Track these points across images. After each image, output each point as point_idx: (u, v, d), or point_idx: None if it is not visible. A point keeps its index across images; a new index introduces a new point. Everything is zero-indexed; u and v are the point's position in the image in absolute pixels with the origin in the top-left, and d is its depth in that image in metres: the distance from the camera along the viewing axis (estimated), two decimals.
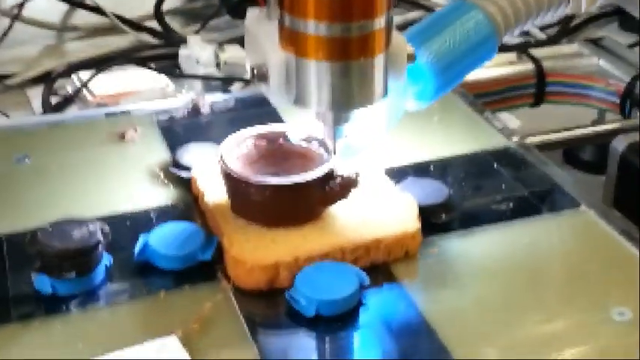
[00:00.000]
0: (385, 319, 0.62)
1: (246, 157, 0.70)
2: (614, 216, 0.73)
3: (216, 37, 1.16)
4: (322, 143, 0.70)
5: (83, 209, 0.69)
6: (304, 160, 0.70)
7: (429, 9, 1.25)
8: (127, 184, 0.76)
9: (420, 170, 0.78)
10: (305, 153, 0.71)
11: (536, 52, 1.14)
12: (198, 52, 1.07)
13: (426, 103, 0.71)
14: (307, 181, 0.66)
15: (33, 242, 0.63)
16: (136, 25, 1.18)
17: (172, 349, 0.58)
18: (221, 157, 0.68)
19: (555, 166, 0.80)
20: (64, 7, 1.20)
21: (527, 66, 1.12)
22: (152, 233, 0.66)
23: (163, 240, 0.66)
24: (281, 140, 0.72)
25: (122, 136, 0.83)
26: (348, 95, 0.64)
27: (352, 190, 0.68)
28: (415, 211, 0.69)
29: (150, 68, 1.06)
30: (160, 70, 1.04)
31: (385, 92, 0.65)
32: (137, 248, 0.65)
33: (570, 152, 1.10)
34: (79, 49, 1.17)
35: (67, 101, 1.00)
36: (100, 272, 0.64)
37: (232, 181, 0.67)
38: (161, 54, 1.13)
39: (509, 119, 1.03)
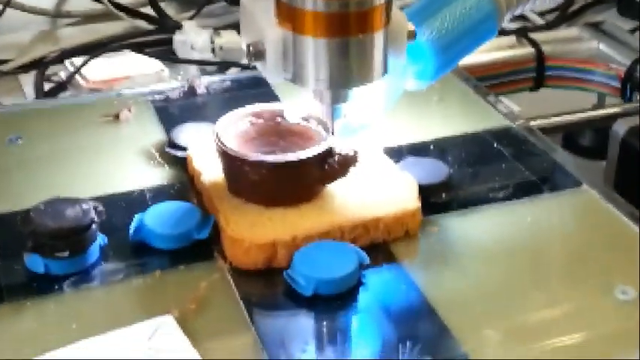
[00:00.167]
0: (385, 298, 0.61)
1: (242, 136, 0.69)
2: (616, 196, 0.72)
3: (212, 23, 1.15)
4: (321, 121, 0.68)
5: (77, 190, 0.68)
6: (302, 139, 0.69)
7: None
8: (122, 164, 0.75)
9: (421, 150, 0.77)
10: (303, 131, 0.70)
11: (536, 36, 1.13)
12: (193, 37, 1.06)
13: (426, 82, 0.70)
14: (305, 159, 0.65)
15: (26, 221, 0.62)
16: (130, 11, 1.16)
17: (168, 329, 0.57)
18: (217, 135, 0.67)
19: (557, 146, 0.79)
20: None
21: (527, 50, 1.11)
22: (147, 212, 0.65)
23: (159, 219, 0.65)
24: (278, 118, 0.71)
25: (116, 117, 0.82)
26: (346, 73, 0.62)
27: (351, 167, 0.67)
28: (415, 190, 0.68)
29: (144, 54, 1.04)
30: (155, 56, 1.03)
31: (385, 71, 0.64)
32: (132, 228, 0.64)
33: (569, 138, 1.09)
34: (72, 35, 1.15)
35: (60, 87, 0.99)
36: (94, 252, 0.63)
37: (228, 160, 0.66)
38: (156, 40, 1.12)
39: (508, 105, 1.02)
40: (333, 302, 0.60)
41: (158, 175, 0.74)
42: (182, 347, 0.55)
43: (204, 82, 0.88)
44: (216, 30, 1.08)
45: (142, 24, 1.15)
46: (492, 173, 0.74)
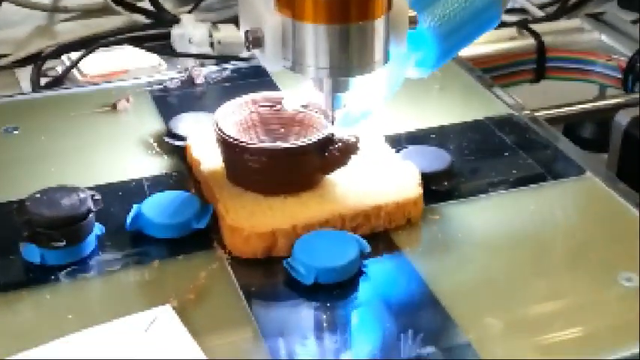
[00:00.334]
0: (386, 287, 0.61)
1: (242, 124, 0.69)
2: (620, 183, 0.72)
3: (210, 17, 1.14)
4: (322, 109, 0.68)
5: (74, 180, 0.67)
6: (304, 127, 0.68)
7: None
8: (120, 154, 0.75)
9: (422, 138, 0.77)
10: (304, 119, 0.69)
11: (537, 27, 1.13)
12: (191, 31, 1.05)
13: (427, 71, 0.69)
14: (306, 146, 0.64)
15: (21, 211, 0.61)
16: (128, 5, 1.16)
17: (167, 319, 0.56)
18: (216, 123, 0.66)
19: (559, 134, 0.78)
20: None
21: (528, 41, 1.10)
22: (145, 202, 0.65)
23: (157, 208, 0.64)
24: (279, 106, 0.70)
25: (114, 107, 0.81)
26: (347, 61, 0.61)
27: (352, 155, 0.66)
28: (417, 178, 0.67)
29: (142, 48, 1.04)
30: (152, 50, 1.02)
31: (386, 59, 0.63)
32: (130, 217, 0.64)
33: (570, 130, 1.09)
34: (70, 29, 1.15)
35: (57, 82, 0.98)
36: (90, 242, 0.62)
37: (228, 148, 0.65)
38: (153, 34, 1.11)
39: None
40: (333, 291, 0.59)
41: (156, 165, 0.73)
42: (181, 338, 0.54)
43: (204, 72, 0.87)
44: (215, 24, 1.07)
45: (140, 18, 1.15)
46: (495, 161, 0.74)
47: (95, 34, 1.09)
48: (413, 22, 0.64)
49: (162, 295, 0.58)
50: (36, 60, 1.03)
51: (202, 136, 0.71)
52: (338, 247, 0.60)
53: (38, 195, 0.62)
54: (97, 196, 0.63)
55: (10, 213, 0.62)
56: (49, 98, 0.87)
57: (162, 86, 0.86)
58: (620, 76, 1.07)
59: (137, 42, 1.06)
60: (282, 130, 0.69)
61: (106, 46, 1.03)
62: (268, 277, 0.61)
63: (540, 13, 1.20)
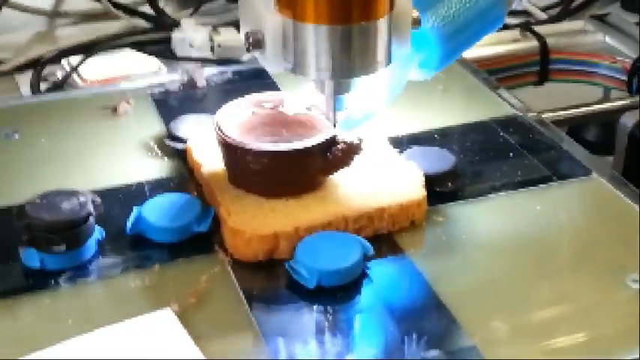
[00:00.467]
0: (391, 290, 0.60)
1: (243, 125, 0.68)
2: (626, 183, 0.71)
3: (211, 21, 1.14)
4: (324, 111, 0.67)
5: (74, 183, 0.66)
6: (306, 128, 0.68)
7: None
8: (120, 157, 0.74)
9: (426, 139, 0.76)
10: (307, 120, 0.68)
11: (541, 28, 1.12)
12: (191, 35, 1.05)
13: (430, 72, 0.68)
14: (308, 148, 0.63)
15: (21, 215, 0.60)
16: (128, 10, 1.15)
17: (168, 323, 0.55)
18: (217, 124, 0.65)
19: (565, 135, 0.78)
20: None
21: (531, 43, 1.10)
22: (146, 205, 0.64)
23: (157, 211, 0.63)
24: (280, 108, 0.69)
25: (115, 110, 0.80)
26: (349, 62, 0.60)
27: (355, 156, 0.65)
28: (420, 179, 0.66)
29: (142, 52, 1.03)
30: (152, 54, 1.02)
31: (389, 60, 0.62)
32: (130, 220, 0.63)
33: (574, 132, 1.08)
34: (70, 34, 1.14)
35: (57, 87, 0.98)
36: (91, 246, 0.61)
37: (229, 149, 0.65)
38: (154, 38, 1.11)
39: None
40: (337, 294, 0.58)
41: (157, 168, 0.72)
42: (182, 342, 0.54)
43: (204, 74, 0.86)
44: (215, 28, 1.07)
45: (140, 22, 1.14)
46: (500, 162, 0.73)
47: (95, 39, 1.09)
48: (416, 22, 0.63)
49: (163, 299, 0.57)
50: (36, 65, 1.03)
51: (203, 138, 0.70)
52: (341, 249, 0.60)
53: (38, 199, 0.61)
54: (97, 200, 0.62)
55: (10, 217, 0.61)
56: (49, 102, 0.87)
57: (163, 89, 0.85)
58: (624, 77, 1.06)
59: (137, 46, 1.06)
60: (284, 131, 0.68)
61: (107, 50, 1.03)
62: (270, 280, 0.61)
63: (543, 16, 1.20)
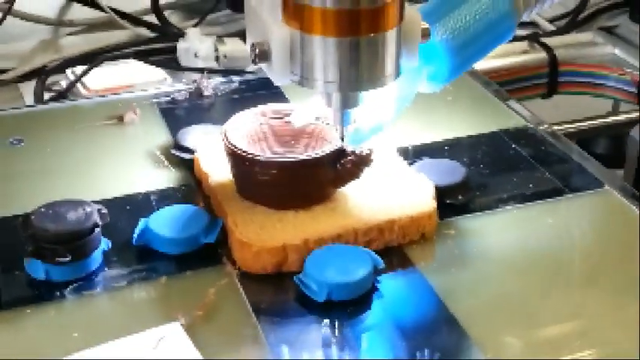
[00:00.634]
0: (401, 304, 0.59)
1: (252, 136, 0.67)
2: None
3: (216, 31, 1.14)
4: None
5: (80, 193, 0.66)
6: (314, 139, 0.67)
7: None
8: (126, 167, 0.73)
9: (436, 150, 0.75)
10: (315, 131, 0.68)
11: (549, 40, 1.12)
12: (197, 45, 1.05)
13: (439, 85, 0.67)
14: (317, 159, 0.63)
15: (26, 225, 0.60)
16: (133, 19, 1.15)
17: (175, 337, 0.54)
18: (225, 135, 0.65)
19: (576, 147, 0.77)
20: (61, 1, 1.18)
21: (540, 55, 1.09)
22: (152, 216, 0.63)
23: (164, 223, 0.63)
24: (289, 118, 0.68)
25: (121, 119, 0.80)
26: (357, 75, 0.59)
27: (365, 168, 0.64)
28: (431, 191, 0.65)
29: (147, 62, 1.03)
30: (157, 64, 1.02)
31: (397, 72, 0.61)
32: (136, 231, 0.62)
33: (583, 145, 1.07)
34: (74, 43, 1.14)
35: (61, 96, 0.97)
36: (97, 257, 0.61)
37: (237, 160, 0.64)
38: (159, 48, 1.11)
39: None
40: (347, 308, 0.57)
41: (164, 178, 0.72)
42: (190, 356, 0.53)
43: (212, 84, 0.86)
44: (220, 38, 1.07)
45: (145, 32, 1.14)
46: (511, 175, 0.73)
47: (100, 49, 1.09)
48: (425, 34, 0.62)
49: (170, 312, 0.56)
50: (40, 74, 1.02)
51: (211, 148, 0.70)
52: (351, 262, 0.59)
53: (43, 209, 0.61)
54: (104, 210, 0.62)
55: (15, 227, 0.61)
56: (55, 110, 0.86)
57: (169, 98, 0.85)
58: (633, 89, 1.06)
59: (142, 56, 1.06)
60: (293, 142, 0.68)
61: (111, 60, 1.02)
62: (279, 293, 0.60)
63: (551, 27, 1.19)
